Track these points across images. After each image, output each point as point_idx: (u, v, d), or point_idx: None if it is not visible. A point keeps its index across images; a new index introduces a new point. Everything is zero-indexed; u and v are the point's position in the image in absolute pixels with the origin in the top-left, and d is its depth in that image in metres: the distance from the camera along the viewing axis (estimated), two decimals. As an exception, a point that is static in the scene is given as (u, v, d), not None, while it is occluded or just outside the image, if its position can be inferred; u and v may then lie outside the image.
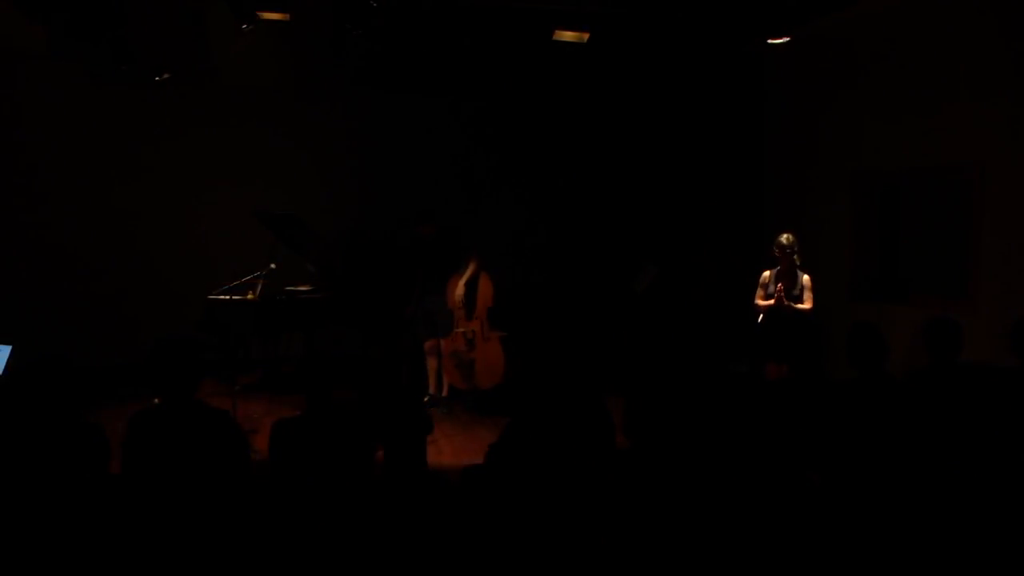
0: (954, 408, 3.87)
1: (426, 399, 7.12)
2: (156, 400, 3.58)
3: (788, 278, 6.31)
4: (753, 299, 6.48)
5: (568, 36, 7.06)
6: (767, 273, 6.45)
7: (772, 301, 6.30)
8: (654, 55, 8.23)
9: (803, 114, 8.35)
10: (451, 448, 6.06)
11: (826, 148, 7.98)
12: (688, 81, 8.73)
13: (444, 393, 7.18)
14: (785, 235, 6.34)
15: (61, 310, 8.05)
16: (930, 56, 6.69)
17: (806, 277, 6.33)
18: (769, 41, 7.39)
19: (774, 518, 2.93)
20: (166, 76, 7.51)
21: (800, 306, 6.26)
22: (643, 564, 2.77)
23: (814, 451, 3.66)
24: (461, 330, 7.01)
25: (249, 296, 6.87)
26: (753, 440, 3.53)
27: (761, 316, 6.43)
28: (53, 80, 8.07)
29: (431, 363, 7.22)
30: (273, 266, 6.87)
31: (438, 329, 7.09)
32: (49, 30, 6.96)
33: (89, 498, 3.00)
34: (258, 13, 6.71)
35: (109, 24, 6.76)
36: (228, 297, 6.78)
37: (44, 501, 2.93)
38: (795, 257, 6.31)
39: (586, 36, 7.03)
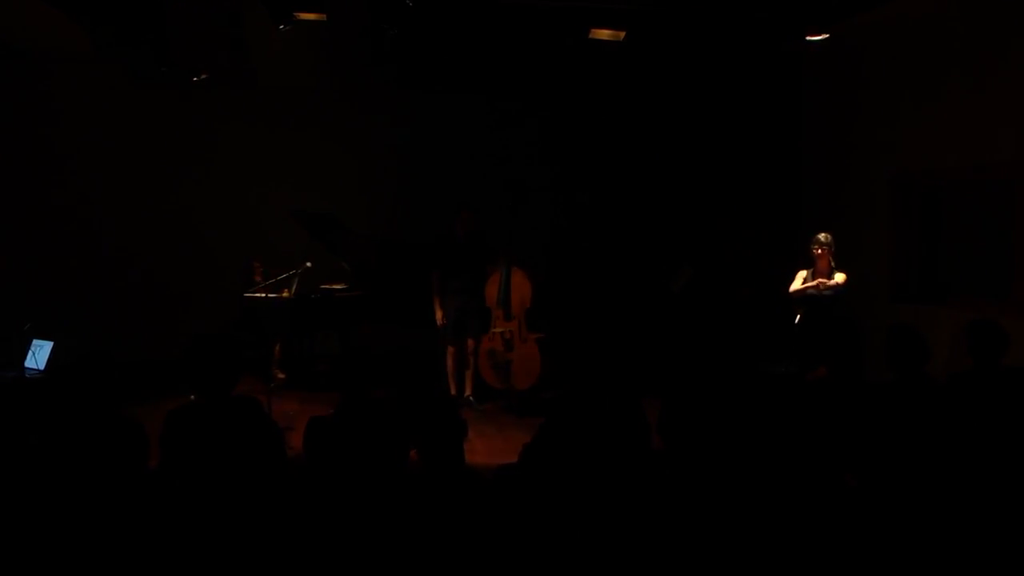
0: (997, 413, 3.80)
1: None
2: (192, 396, 3.63)
3: (824, 276, 6.32)
4: (788, 289, 6.51)
5: (604, 34, 7.05)
6: (803, 273, 6.45)
7: (812, 283, 6.31)
8: (690, 54, 8.19)
9: (842, 113, 8.25)
10: (485, 448, 6.07)
11: (865, 147, 7.87)
12: (725, 80, 8.67)
13: (468, 393, 7.15)
14: (823, 233, 6.36)
15: (102, 307, 8.20)
16: (974, 52, 6.58)
17: (841, 276, 6.30)
18: (807, 38, 7.30)
19: (809, 522, 2.91)
20: (203, 76, 7.62)
21: (834, 281, 6.25)
22: (677, 567, 2.76)
23: (851, 454, 3.62)
24: (499, 330, 7.01)
25: (284, 294, 6.95)
26: (789, 442, 3.50)
27: (799, 317, 6.42)
28: (95, 82, 8.23)
29: (450, 365, 7.15)
30: (308, 264, 6.93)
31: (468, 331, 7.09)
32: (93, 33, 7.10)
33: (128, 492, 3.06)
34: (295, 14, 6.78)
35: (150, 26, 6.88)
36: (264, 295, 6.87)
37: (84, 495, 2.99)
38: (830, 257, 6.30)
39: (622, 35, 7.01)
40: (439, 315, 7.03)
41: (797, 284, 6.46)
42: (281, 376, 7.54)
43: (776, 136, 8.87)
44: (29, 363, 6.40)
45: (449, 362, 7.15)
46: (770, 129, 8.85)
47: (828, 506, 3.07)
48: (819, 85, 8.63)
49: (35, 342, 6.43)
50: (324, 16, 6.88)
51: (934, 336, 4.17)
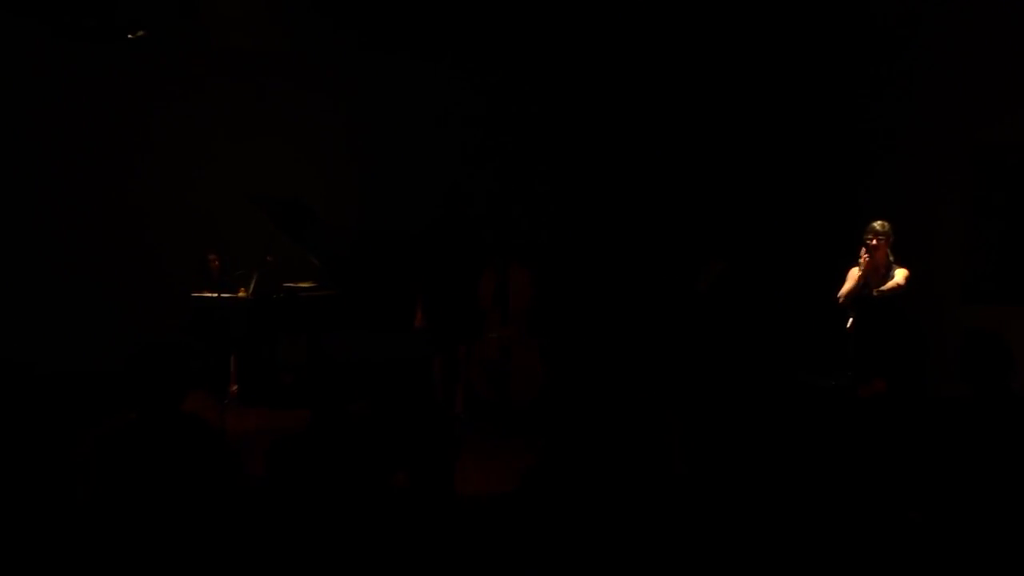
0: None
1: None
2: (132, 414, 3.61)
3: (879, 273, 6.30)
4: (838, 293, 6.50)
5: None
6: (855, 272, 6.43)
7: (857, 283, 6.31)
8: (723, 7, 8.15)
9: (909, 75, 8.11)
10: (479, 472, 6.06)
11: (938, 117, 7.77)
12: (763, 37, 8.61)
13: (458, 408, 7.20)
14: (879, 221, 6.34)
15: (18, 309, 8.01)
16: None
17: (902, 271, 6.28)
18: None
19: (867, 567, 2.89)
20: (140, 34, 7.57)
21: (893, 283, 6.24)
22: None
23: (915, 485, 3.60)
24: (495, 335, 7.01)
25: (241, 294, 6.94)
26: (840, 470, 3.49)
27: (851, 321, 6.40)
28: (3, 37, 8.05)
29: (437, 376, 7.22)
30: (269, 259, 6.92)
31: (455, 338, 7.08)
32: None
33: (46, 531, 3.03)
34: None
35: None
36: (217, 295, 6.85)
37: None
38: (888, 249, 6.30)
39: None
40: (419, 316, 7.05)
41: (848, 287, 6.43)
42: (233, 388, 7.54)
43: (827, 102, 8.79)
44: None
45: (436, 372, 7.16)
46: (819, 93, 8.77)
47: (888, 548, 3.05)
48: (878, 42, 8.51)
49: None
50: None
51: (1018, 343, 4.14)
